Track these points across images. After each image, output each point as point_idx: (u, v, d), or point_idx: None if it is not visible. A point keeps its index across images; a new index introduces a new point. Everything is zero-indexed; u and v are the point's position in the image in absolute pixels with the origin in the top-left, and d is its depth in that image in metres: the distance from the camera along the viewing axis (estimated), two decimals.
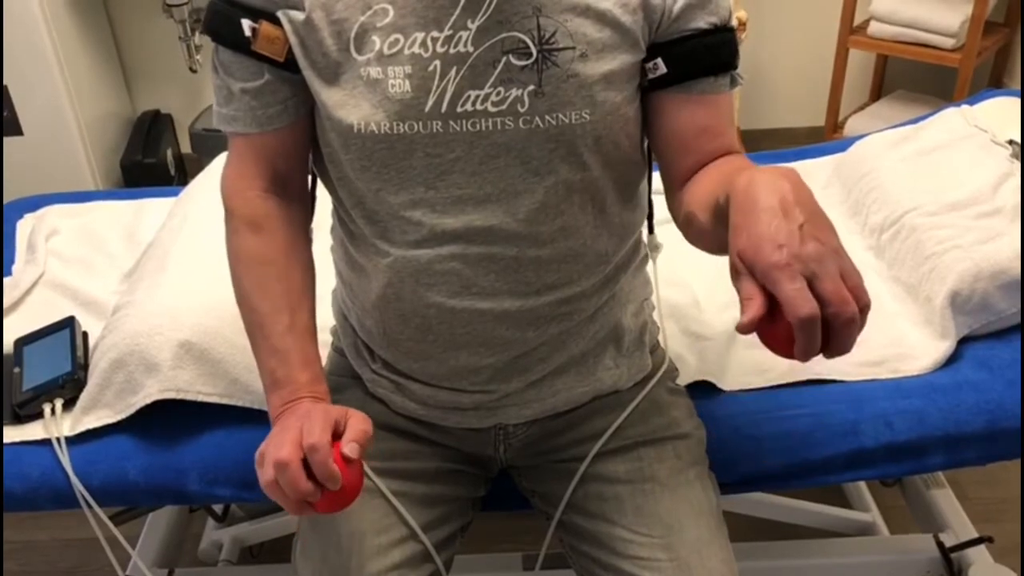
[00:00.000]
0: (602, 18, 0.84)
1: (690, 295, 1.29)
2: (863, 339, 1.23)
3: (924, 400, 1.11)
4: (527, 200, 0.87)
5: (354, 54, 0.84)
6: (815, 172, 1.60)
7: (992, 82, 2.85)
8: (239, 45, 0.87)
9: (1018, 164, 1.34)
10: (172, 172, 2.81)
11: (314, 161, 0.97)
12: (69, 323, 1.26)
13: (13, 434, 1.14)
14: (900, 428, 1.09)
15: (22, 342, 1.25)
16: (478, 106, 0.84)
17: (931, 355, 1.17)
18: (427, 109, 0.84)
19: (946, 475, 1.55)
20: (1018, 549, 1.60)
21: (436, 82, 0.83)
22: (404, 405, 1.01)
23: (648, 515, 0.95)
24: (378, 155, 0.86)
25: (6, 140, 2.49)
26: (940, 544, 1.42)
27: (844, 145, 1.59)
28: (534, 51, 0.83)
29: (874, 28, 2.63)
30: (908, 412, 1.10)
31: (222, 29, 0.88)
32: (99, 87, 2.72)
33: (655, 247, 1.04)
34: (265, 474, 0.79)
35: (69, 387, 1.16)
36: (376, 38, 0.83)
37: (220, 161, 1.53)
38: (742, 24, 2.46)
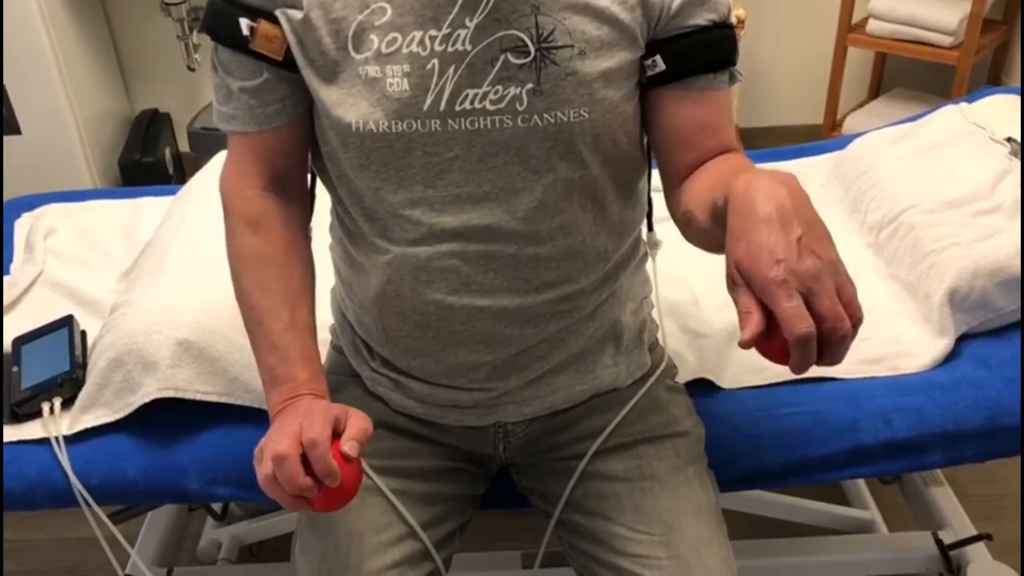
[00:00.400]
0: (600, 15, 0.83)
1: (689, 293, 1.29)
2: (862, 336, 1.23)
3: (923, 398, 1.11)
4: (526, 198, 0.87)
5: (352, 53, 0.84)
6: (814, 170, 1.60)
7: (990, 80, 2.85)
8: (238, 44, 0.87)
9: (1016, 161, 1.34)
10: (170, 171, 2.81)
11: (313, 160, 0.97)
12: (67, 322, 1.26)
13: (11, 433, 1.14)
14: (899, 425, 1.09)
15: (20, 341, 1.25)
16: (476, 104, 0.84)
17: (930, 353, 1.17)
18: (425, 108, 0.84)
19: (945, 473, 1.55)
20: (1016, 547, 1.60)
21: (434, 81, 0.83)
22: (403, 403, 1.01)
23: (647, 513, 0.95)
24: (376, 154, 0.86)
25: (4, 139, 2.49)
26: (939, 542, 1.42)
27: (843, 143, 1.59)
28: (532, 49, 0.83)
29: (872, 26, 2.63)
30: (907, 409, 1.10)
31: (221, 28, 0.88)
32: (97, 86, 2.72)
33: (654, 244, 1.04)
34: (263, 468, 0.78)
35: (67, 386, 1.16)
36: (374, 37, 0.83)
37: (218, 160, 1.53)
38: (740, 22, 2.46)
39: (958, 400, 1.10)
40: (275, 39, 0.86)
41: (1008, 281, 1.16)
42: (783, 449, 1.10)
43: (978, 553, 1.41)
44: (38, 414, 1.15)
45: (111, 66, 2.83)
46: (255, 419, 1.12)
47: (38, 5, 2.34)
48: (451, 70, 0.83)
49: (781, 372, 1.17)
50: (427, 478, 1.01)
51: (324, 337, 1.14)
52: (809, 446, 1.10)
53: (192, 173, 1.55)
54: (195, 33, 2.62)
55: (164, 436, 1.13)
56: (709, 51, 0.87)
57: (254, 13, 0.86)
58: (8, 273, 1.44)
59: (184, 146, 2.89)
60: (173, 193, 1.55)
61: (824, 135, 2.87)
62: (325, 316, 1.12)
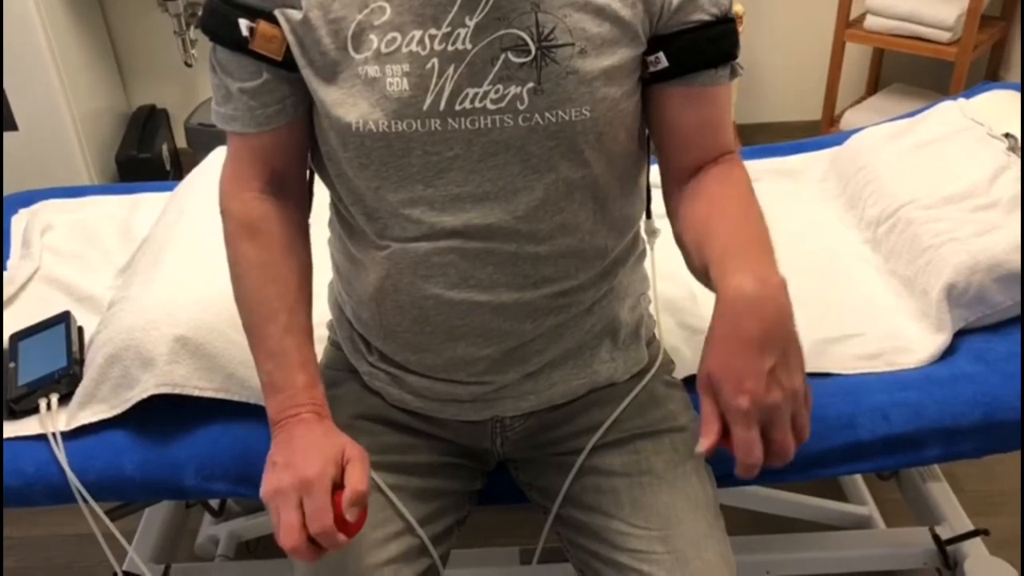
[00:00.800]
0: (601, 12, 0.83)
1: (686, 289, 1.29)
2: (860, 332, 1.24)
3: (921, 393, 1.11)
4: (526, 197, 0.87)
5: (352, 53, 0.84)
6: (812, 165, 1.60)
7: (988, 75, 2.85)
8: (237, 44, 0.87)
9: (1014, 157, 1.34)
10: (167, 167, 2.81)
11: (312, 159, 0.97)
12: (64, 318, 1.26)
13: (8, 429, 1.14)
14: (897, 421, 1.09)
15: (17, 337, 1.24)
16: (477, 104, 0.83)
17: (928, 348, 1.17)
18: (425, 107, 0.83)
19: (942, 468, 1.56)
20: (1012, 542, 1.60)
21: (434, 80, 0.83)
22: (401, 397, 1.01)
23: (645, 508, 0.95)
24: (376, 153, 0.86)
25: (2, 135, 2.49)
26: (936, 537, 1.43)
27: (841, 139, 1.59)
28: (533, 48, 0.83)
29: (870, 22, 2.63)
30: (905, 405, 1.10)
31: (219, 28, 0.88)
32: (94, 82, 2.71)
33: (652, 232, 1.04)
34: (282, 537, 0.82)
35: (65, 382, 1.16)
36: (373, 36, 0.83)
37: (215, 156, 1.53)
38: (739, 18, 2.46)
39: (956, 395, 1.10)
40: (274, 39, 0.86)
41: (1006, 276, 1.16)
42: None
43: (975, 548, 1.41)
44: (35, 410, 1.15)
45: (108, 62, 2.83)
46: (253, 415, 1.12)
47: (35, 1, 2.33)
48: (451, 69, 0.83)
49: None
50: (424, 473, 1.01)
51: (321, 333, 1.15)
52: (807, 441, 1.09)
53: (189, 169, 1.55)
54: (192, 29, 2.62)
55: (162, 432, 1.13)
56: (712, 47, 0.87)
57: (253, 13, 0.86)
58: (5, 269, 1.43)
59: (181, 142, 2.88)
60: (170, 189, 1.55)
61: (822, 131, 2.87)
62: (323, 311, 1.12)
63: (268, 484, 0.83)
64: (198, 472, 1.11)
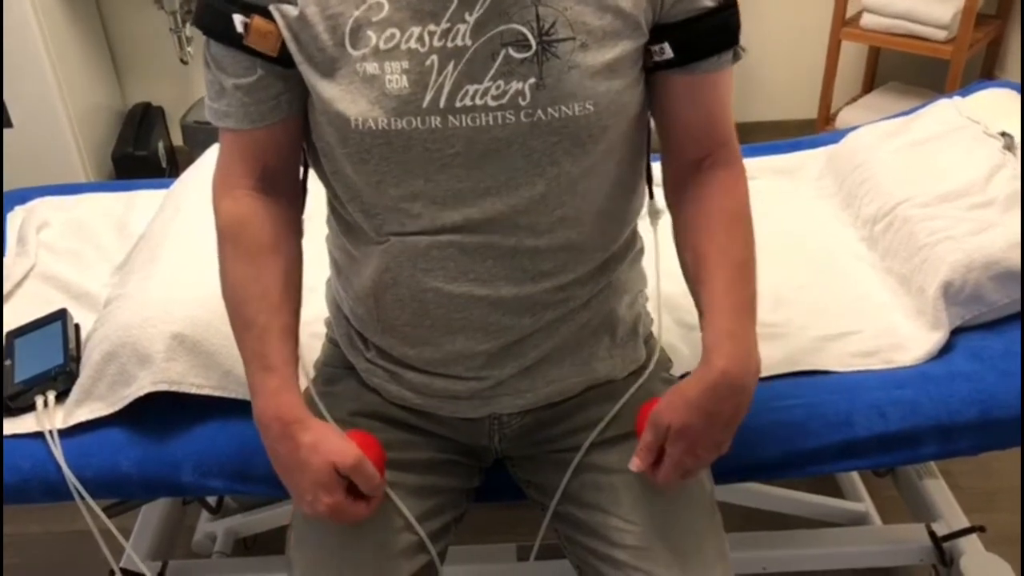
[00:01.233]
0: (602, 5, 0.83)
1: (683, 286, 1.29)
2: (856, 330, 1.24)
3: (917, 390, 1.11)
4: (527, 192, 0.87)
5: (349, 49, 0.83)
6: (808, 163, 1.60)
7: (984, 74, 2.85)
8: (231, 40, 0.86)
9: (1010, 155, 1.34)
10: (163, 164, 2.80)
11: (308, 156, 0.97)
12: (61, 315, 1.25)
13: (5, 427, 1.14)
14: (893, 418, 1.10)
15: (13, 335, 1.24)
16: (477, 100, 0.83)
17: (924, 346, 1.17)
18: (425, 105, 0.83)
19: (938, 465, 1.56)
20: (1009, 538, 1.61)
21: (434, 77, 0.82)
22: (399, 394, 1.01)
23: (643, 505, 0.95)
24: (377, 150, 0.85)
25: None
26: (932, 534, 1.43)
27: (837, 137, 1.59)
28: (534, 43, 0.82)
29: (866, 20, 2.64)
30: (901, 402, 1.10)
31: (213, 24, 0.87)
32: (89, 79, 2.70)
33: (655, 212, 1.04)
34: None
35: (61, 380, 1.16)
36: (371, 33, 0.82)
37: (211, 153, 1.53)
38: None
39: (952, 393, 1.11)
40: (269, 35, 0.85)
41: (1002, 275, 1.17)
42: (778, 441, 1.10)
43: (971, 545, 1.41)
44: (31, 407, 1.15)
45: (104, 59, 2.82)
46: (250, 412, 1.11)
47: None
48: (451, 66, 0.82)
49: (776, 364, 1.17)
50: (422, 470, 1.01)
51: (319, 330, 1.15)
52: (804, 439, 1.10)
53: (185, 167, 1.55)
54: (188, 26, 2.62)
55: (158, 429, 1.13)
56: (716, 34, 0.87)
57: (247, 9, 0.85)
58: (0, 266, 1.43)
59: (177, 139, 2.88)
60: (167, 186, 1.55)
61: (818, 129, 2.87)
62: (320, 308, 1.12)
63: (300, 507, 0.91)
64: (195, 469, 1.10)
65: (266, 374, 0.89)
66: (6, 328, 1.26)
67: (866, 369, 1.16)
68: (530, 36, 0.82)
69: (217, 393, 1.12)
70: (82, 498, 1.09)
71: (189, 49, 2.66)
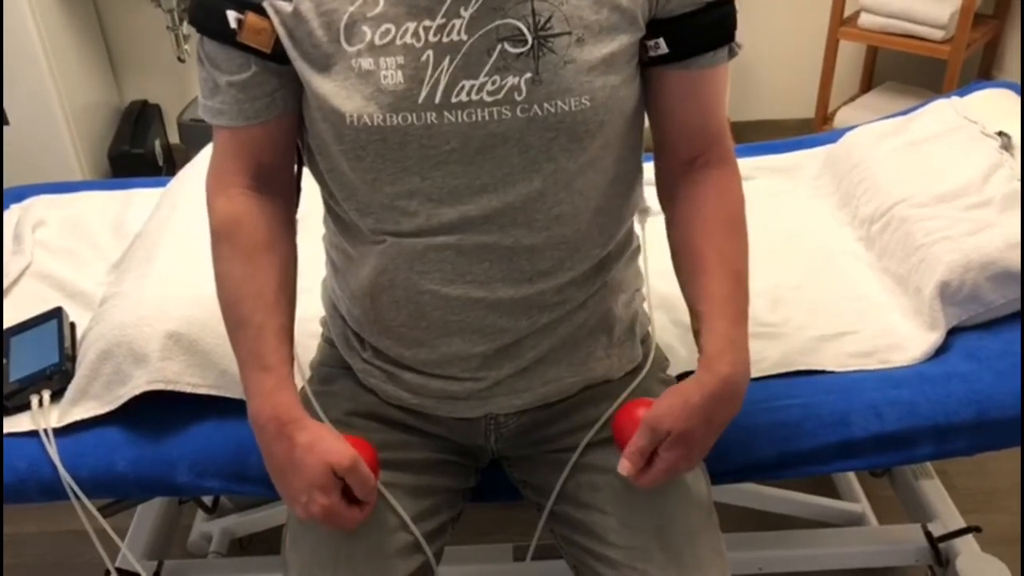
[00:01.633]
0: None
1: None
2: (853, 330, 1.24)
3: (914, 391, 1.11)
4: (524, 189, 0.87)
5: (344, 45, 0.83)
6: (806, 163, 1.60)
7: (981, 74, 2.86)
8: (224, 36, 0.86)
9: (1007, 155, 1.34)
10: (160, 163, 2.80)
11: (303, 154, 0.96)
12: (56, 314, 1.25)
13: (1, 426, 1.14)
14: (890, 418, 1.10)
15: (9, 333, 1.24)
16: (473, 96, 0.83)
17: (921, 346, 1.17)
18: (420, 100, 0.83)
19: (934, 466, 1.56)
20: (1004, 539, 1.61)
21: (429, 72, 0.82)
22: (396, 394, 1.01)
23: (639, 505, 0.95)
24: (372, 147, 0.85)
25: None
26: (928, 534, 1.43)
27: (834, 136, 1.59)
28: (529, 38, 0.82)
29: (864, 20, 2.64)
30: (898, 402, 1.10)
31: (207, 20, 0.87)
32: (86, 77, 2.70)
33: (645, 210, 1.04)
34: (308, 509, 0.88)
35: (57, 378, 1.16)
36: (367, 28, 0.82)
37: (208, 152, 1.52)
38: None
39: (949, 393, 1.11)
40: (263, 31, 0.85)
41: (999, 275, 1.17)
42: (774, 442, 1.10)
43: (967, 545, 1.41)
44: (27, 406, 1.14)
45: (100, 57, 2.82)
46: (246, 412, 1.11)
47: None
48: (446, 61, 0.82)
49: (773, 364, 1.17)
50: (418, 470, 1.01)
51: (315, 329, 1.14)
52: (800, 439, 1.10)
53: (182, 165, 1.55)
54: (185, 24, 2.61)
55: (154, 429, 1.12)
56: (712, 30, 0.87)
57: (241, 5, 0.85)
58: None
59: (174, 138, 2.87)
60: (163, 185, 1.54)
61: (815, 129, 2.87)
62: (316, 308, 1.12)
63: (293, 509, 0.90)
64: (191, 469, 1.10)
65: (262, 373, 0.89)
66: (3, 327, 1.26)
67: (863, 369, 1.16)
68: (526, 31, 0.82)
69: (213, 392, 1.12)
70: (77, 498, 1.09)
71: (186, 47, 2.66)
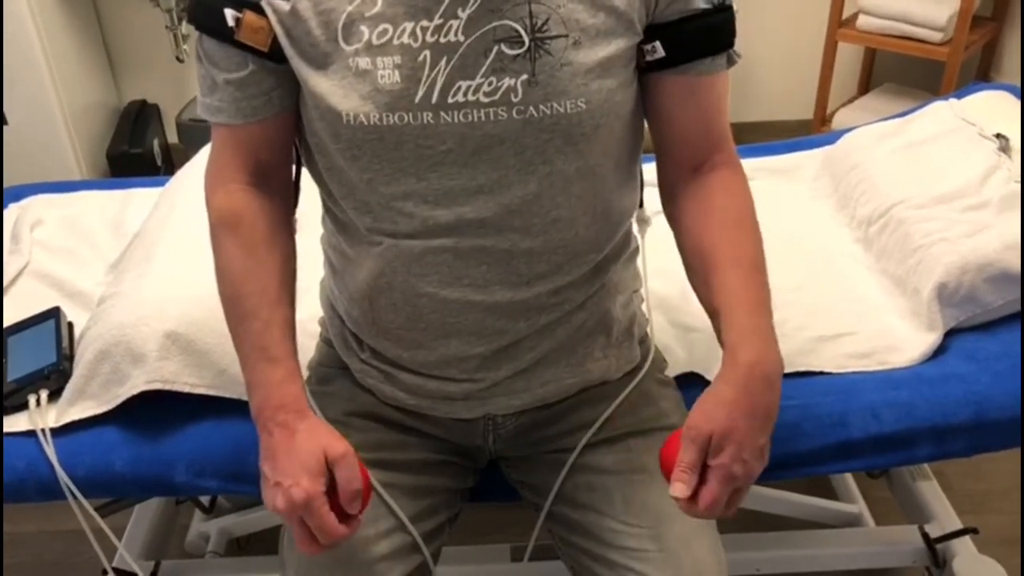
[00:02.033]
0: (596, 2, 0.83)
1: (678, 286, 1.28)
2: (851, 331, 1.24)
3: (911, 392, 1.12)
4: (520, 191, 0.87)
5: (342, 44, 0.83)
6: (804, 164, 1.60)
7: (979, 76, 2.86)
8: (222, 35, 0.86)
9: (1005, 157, 1.35)
10: (159, 163, 2.80)
11: (301, 153, 0.97)
12: (54, 314, 1.25)
13: None
14: (887, 419, 1.10)
15: (7, 333, 1.24)
16: (469, 97, 0.83)
17: (918, 347, 1.17)
18: (417, 100, 0.83)
19: (932, 467, 1.56)
20: (1001, 540, 1.61)
21: (426, 73, 0.82)
22: (393, 395, 1.01)
23: (637, 506, 0.95)
24: (368, 146, 0.85)
25: None
26: (925, 535, 1.43)
27: (833, 138, 1.59)
28: (526, 40, 0.82)
29: (862, 21, 2.64)
30: (896, 404, 1.10)
31: (205, 18, 0.87)
32: (85, 76, 2.70)
33: (643, 221, 1.04)
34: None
35: (54, 378, 1.16)
36: (364, 28, 0.82)
37: (207, 152, 1.52)
38: None
39: (946, 395, 1.11)
40: (261, 30, 0.85)
41: (996, 276, 1.17)
42: (773, 442, 1.09)
43: (964, 547, 1.42)
44: (24, 406, 1.14)
45: (99, 56, 2.81)
46: (244, 411, 1.10)
47: None
48: (443, 62, 0.82)
49: None
50: (416, 471, 1.01)
51: (313, 329, 1.14)
52: (798, 440, 1.10)
53: (181, 165, 1.55)
54: (184, 24, 2.61)
55: (152, 428, 1.12)
56: (709, 35, 0.87)
57: (239, 4, 0.85)
58: None
59: (173, 137, 2.87)
60: (162, 184, 1.54)
61: (814, 130, 2.88)
62: (315, 308, 1.12)
63: (266, 500, 0.87)
64: (189, 468, 1.10)
65: (269, 365, 0.89)
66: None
67: (861, 370, 1.16)
68: (523, 33, 0.82)
69: (211, 392, 1.12)
70: (75, 497, 1.09)
71: (185, 47, 2.66)
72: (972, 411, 1.09)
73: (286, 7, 0.84)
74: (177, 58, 2.68)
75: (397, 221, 0.89)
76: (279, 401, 0.88)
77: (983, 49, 2.79)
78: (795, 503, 1.55)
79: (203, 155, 1.51)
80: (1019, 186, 1.28)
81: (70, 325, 1.26)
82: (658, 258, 1.11)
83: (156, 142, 2.80)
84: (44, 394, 1.14)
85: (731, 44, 0.89)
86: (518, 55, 0.82)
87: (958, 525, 1.43)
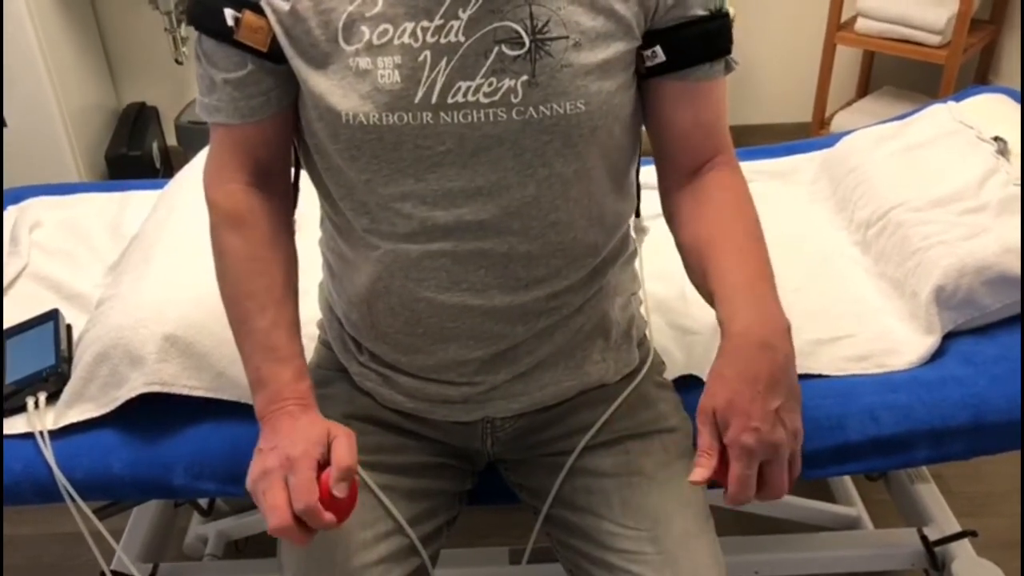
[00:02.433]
0: (595, 6, 0.83)
1: (677, 289, 1.29)
2: (850, 334, 1.24)
3: (910, 395, 1.12)
4: (519, 193, 0.87)
5: (342, 44, 0.83)
6: (802, 166, 1.60)
7: (978, 79, 2.86)
8: (222, 34, 0.87)
9: (1003, 160, 1.35)
10: (157, 165, 2.80)
11: (300, 154, 0.97)
12: (53, 316, 1.25)
13: None
14: (886, 422, 1.10)
15: (5, 335, 1.24)
16: (469, 97, 0.83)
17: (917, 350, 1.17)
18: (417, 100, 0.83)
19: (930, 469, 1.56)
20: (1000, 543, 1.61)
21: (426, 73, 0.83)
22: (392, 398, 1.01)
23: (635, 508, 0.95)
24: (367, 146, 0.85)
25: None
26: (924, 538, 1.43)
27: (831, 141, 1.59)
28: (527, 41, 0.82)
29: (861, 25, 2.64)
30: (894, 406, 1.10)
31: (205, 18, 0.87)
32: (84, 79, 2.70)
33: (641, 230, 1.04)
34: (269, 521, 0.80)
35: (52, 380, 1.15)
36: (365, 28, 0.82)
37: (205, 154, 1.52)
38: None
39: (944, 397, 1.11)
40: (260, 30, 0.85)
41: (994, 279, 1.17)
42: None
43: (962, 550, 1.42)
44: (23, 408, 1.14)
45: (98, 59, 2.81)
46: (242, 414, 1.11)
47: None
48: (443, 62, 0.82)
49: None
50: (414, 474, 1.01)
51: (312, 332, 1.14)
52: None
53: (179, 167, 1.55)
54: (183, 26, 2.61)
55: (150, 431, 1.12)
56: (707, 41, 0.88)
57: (239, 3, 0.85)
58: None
59: (172, 140, 2.87)
60: (161, 187, 1.54)
61: (812, 133, 2.88)
62: (313, 311, 1.12)
63: (254, 469, 0.83)
64: (187, 471, 1.10)
65: (278, 365, 0.89)
66: None
67: (859, 373, 1.16)
68: (523, 34, 0.82)
69: (210, 395, 1.12)
70: (73, 500, 1.09)
71: (184, 49, 2.66)
72: (970, 414, 1.09)
73: (286, 7, 0.84)
74: (176, 60, 2.68)
75: (395, 222, 0.89)
76: (291, 394, 0.88)
77: (982, 52, 2.79)
78: (793, 506, 1.55)
79: (202, 157, 1.50)
80: (1018, 189, 1.28)
81: (69, 327, 1.26)
82: (656, 260, 1.11)
83: (155, 144, 2.80)
84: (42, 396, 1.14)
85: (728, 50, 0.90)
86: (518, 56, 0.82)
87: (957, 528, 1.43)
